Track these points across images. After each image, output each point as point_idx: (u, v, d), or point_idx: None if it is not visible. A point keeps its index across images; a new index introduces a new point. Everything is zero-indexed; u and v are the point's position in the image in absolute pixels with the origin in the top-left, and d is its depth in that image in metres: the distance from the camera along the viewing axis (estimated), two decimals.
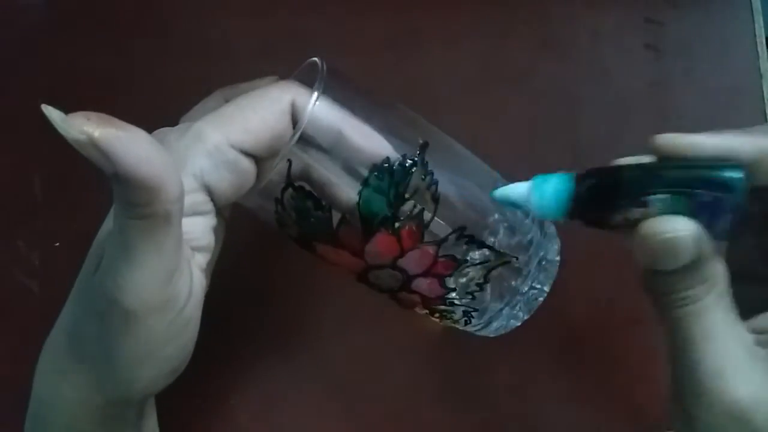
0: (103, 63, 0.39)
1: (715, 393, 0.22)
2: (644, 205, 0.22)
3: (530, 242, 0.27)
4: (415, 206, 0.24)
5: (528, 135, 0.38)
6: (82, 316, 0.24)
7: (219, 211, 0.25)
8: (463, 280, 0.26)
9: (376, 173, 0.24)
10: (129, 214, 0.20)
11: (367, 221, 0.24)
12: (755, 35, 0.40)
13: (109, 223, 0.25)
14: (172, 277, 0.22)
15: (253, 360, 0.35)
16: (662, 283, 0.23)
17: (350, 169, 0.24)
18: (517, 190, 0.24)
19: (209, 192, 0.24)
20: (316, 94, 0.23)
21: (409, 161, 0.24)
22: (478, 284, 0.27)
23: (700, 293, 0.22)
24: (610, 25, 0.40)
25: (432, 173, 0.25)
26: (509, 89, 0.39)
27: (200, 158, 0.23)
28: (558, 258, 0.29)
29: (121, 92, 0.38)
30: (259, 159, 0.25)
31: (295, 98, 0.24)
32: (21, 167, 0.37)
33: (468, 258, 0.26)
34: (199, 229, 0.24)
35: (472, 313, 0.28)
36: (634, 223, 0.22)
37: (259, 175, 0.25)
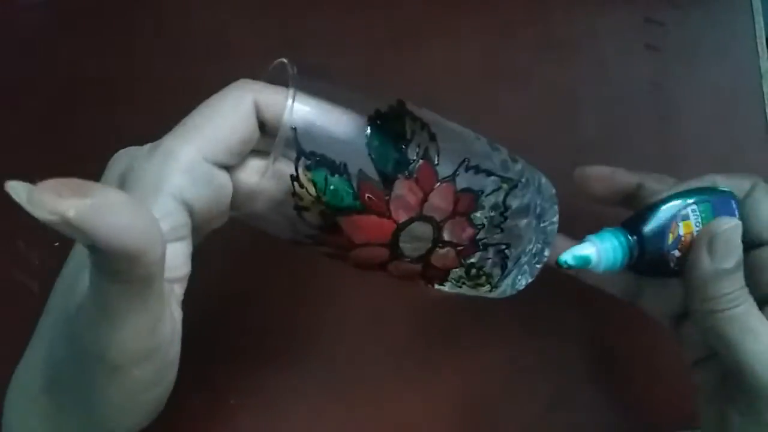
0: (103, 63, 0.39)
1: (765, 383, 0.25)
2: (687, 217, 0.27)
3: (519, 167, 0.29)
4: (419, 146, 0.25)
5: (528, 135, 0.38)
6: (62, 362, 0.23)
7: (195, 229, 0.24)
8: (486, 212, 0.27)
9: (374, 121, 0.25)
10: (108, 279, 0.19)
11: (382, 169, 0.24)
12: (755, 35, 0.40)
13: (80, 252, 0.24)
14: (157, 326, 0.21)
15: (254, 360, 0.35)
16: (715, 289, 0.26)
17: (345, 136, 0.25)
18: (579, 251, 0.27)
19: (189, 212, 0.23)
20: (290, 99, 0.23)
21: (396, 106, 0.26)
22: (501, 214, 0.27)
23: (743, 297, 0.26)
24: (610, 25, 0.40)
25: (421, 119, 0.26)
26: (509, 89, 0.39)
27: (176, 177, 0.22)
28: (554, 191, 0.30)
29: (121, 92, 0.38)
30: (230, 168, 0.24)
31: (256, 96, 0.23)
32: (21, 167, 0.37)
33: (483, 188, 0.27)
34: (179, 257, 0.23)
35: (506, 252, 0.28)
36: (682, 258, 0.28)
37: (235, 190, 0.24)
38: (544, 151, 0.38)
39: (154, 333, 0.21)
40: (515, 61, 0.39)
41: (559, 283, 0.32)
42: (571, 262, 0.27)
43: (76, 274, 0.23)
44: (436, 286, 0.29)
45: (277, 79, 0.25)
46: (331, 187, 0.24)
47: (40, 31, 0.40)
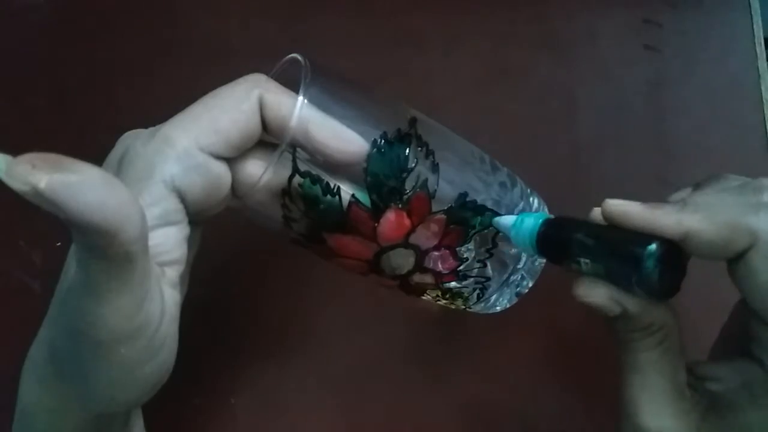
0: (103, 63, 0.39)
1: (630, 419, 0.25)
2: (578, 263, 0.24)
3: (521, 204, 0.28)
4: (419, 177, 0.25)
5: (528, 135, 0.38)
6: (59, 336, 0.23)
7: (192, 218, 0.24)
8: (473, 248, 0.27)
9: (377, 145, 0.24)
10: (88, 255, 0.19)
11: (376, 197, 0.24)
12: (754, 36, 0.40)
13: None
14: (141, 306, 0.21)
15: (253, 360, 0.35)
16: (607, 323, 0.25)
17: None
18: (504, 221, 0.27)
19: (181, 199, 0.23)
20: (300, 99, 0.23)
21: (405, 132, 0.25)
22: (487, 250, 0.27)
23: (637, 336, 0.24)
24: (609, 26, 0.40)
25: (427, 144, 0.25)
26: (509, 89, 0.39)
27: (170, 164, 0.22)
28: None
29: (121, 92, 0.38)
30: (230, 160, 0.24)
31: (263, 94, 0.23)
32: None
33: (475, 224, 0.26)
34: (170, 241, 0.23)
35: (485, 284, 0.28)
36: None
37: (235, 177, 0.24)
38: (543, 151, 0.38)
39: (139, 313, 0.21)
40: (515, 62, 0.39)
41: (566, 285, 0.32)
42: (494, 223, 0.27)
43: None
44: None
45: (286, 74, 0.25)
46: (321, 207, 0.24)
47: (40, 31, 0.40)
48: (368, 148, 0.24)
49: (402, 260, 0.26)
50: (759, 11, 0.40)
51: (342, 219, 0.25)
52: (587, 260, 0.24)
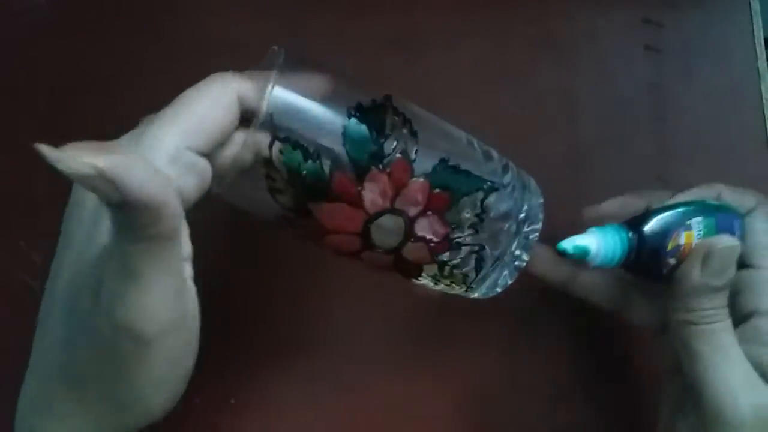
0: (103, 63, 0.39)
1: (722, 404, 0.25)
2: (689, 228, 0.27)
3: (508, 174, 0.29)
4: (397, 141, 0.25)
5: (528, 135, 0.38)
6: (85, 351, 0.23)
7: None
8: (462, 213, 0.27)
9: (354, 113, 0.25)
10: (134, 239, 0.20)
11: (356, 160, 0.25)
12: (754, 36, 0.40)
13: (78, 247, 0.23)
14: (182, 293, 0.22)
15: (254, 360, 0.35)
16: (697, 302, 0.26)
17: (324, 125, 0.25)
18: (574, 248, 0.27)
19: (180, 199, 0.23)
20: (271, 82, 0.24)
21: (380, 102, 0.26)
22: (477, 216, 0.27)
23: (722, 315, 0.26)
24: (609, 25, 0.40)
25: (404, 114, 0.26)
26: (509, 89, 0.39)
27: (164, 166, 0.23)
28: (541, 200, 0.29)
29: (122, 92, 0.38)
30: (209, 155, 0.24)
31: (239, 87, 0.24)
32: (22, 167, 0.37)
33: (460, 188, 0.27)
34: (182, 238, 0.24)
35: (481, 254, 0.28)
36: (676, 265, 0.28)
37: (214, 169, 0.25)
38: (543, 151, 0.38)
39: (180, 299, 0.22)
40: (514, 62, 0.39)
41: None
42: (570, 250, 0.27)
43: (87, 270, 0.23)
44: (414, 281, 0.29)
45: (270, 67, 0.25)
46: (303, 173, 0.24)
47: (40, 31, 0.40)
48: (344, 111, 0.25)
49: (392, 229, 0.26)
50: (759, 11, 0.40)
51: (325, 186, 0.25)
52: (703, 219, 0.27)
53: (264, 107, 0.24)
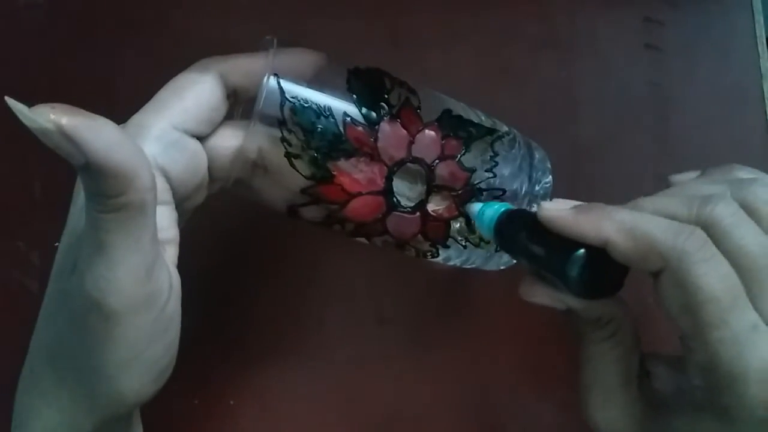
0: (103, 63, 0.39)
1: (582, 408, 0.25)
2: (518, 259, 0.26)
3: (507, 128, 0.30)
4: (400, 95, 0.26)
5: (528, 134, 0.38)
6: (63, 326, 0.23)
7: (177, 204, 0.25)
8: (476, 156, 0.28)
9: (355, 74, 0.26)
10: (102, 208, 0.20)
11: (366, 112, 0.25)
12: (755, 35, 0.40)
13: (72, 226, 0.24)
14: (152, 271, 0.22)
15: (253, 361, 0.35)
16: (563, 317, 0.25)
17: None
18: (470, 208, 0.28)
19: (166, 178, 0.24)
20: (272, 52, 0.24)
21: (375, 68, 0.27)
22: (491, 158, 0.28)
23: (588, 330, 0.25)
24: (610, 24, 0.40)
25: (399, 78, 0.27)
26: (510, 88, 0.39)
27: (149, 144, 0.23)
28: (549, 165, 0.30)
29: (122, 92, 0.38)
30: (202, 137, 0.25)
31: (220, 66, 0.25)
32: (21, 168, 0.37)
33: (468, 134, 0.27)
34: (165, 220, 0.24)
35: (503, 198, 0.28)
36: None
37: (210, 155, 0.25)
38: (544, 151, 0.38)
39: (150, 277, 0.22)
40: (515, 61, 0.39)
41: None
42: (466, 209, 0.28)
43: (72, 242, 0.23)
44: (441, 253, 0.29)
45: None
46: (318, 129, 0.25)
47: (40, 32, 0.40)
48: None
49: (414, 178, 0.27)
50: (761, 10, 0.40)
51: (341, 140, 0.25)
52: (526, 260, 0.25)
53: (268, 73, 0.24)
